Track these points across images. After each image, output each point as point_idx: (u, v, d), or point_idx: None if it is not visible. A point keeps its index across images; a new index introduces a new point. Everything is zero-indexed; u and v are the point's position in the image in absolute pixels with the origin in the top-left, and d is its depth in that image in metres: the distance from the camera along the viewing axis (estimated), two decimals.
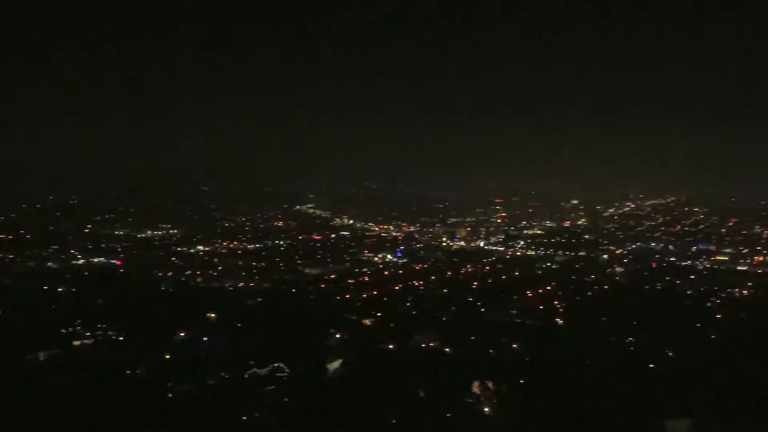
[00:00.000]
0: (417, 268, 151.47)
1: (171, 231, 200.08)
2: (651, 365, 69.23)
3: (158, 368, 63.49)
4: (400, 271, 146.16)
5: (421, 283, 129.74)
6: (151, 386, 58.23)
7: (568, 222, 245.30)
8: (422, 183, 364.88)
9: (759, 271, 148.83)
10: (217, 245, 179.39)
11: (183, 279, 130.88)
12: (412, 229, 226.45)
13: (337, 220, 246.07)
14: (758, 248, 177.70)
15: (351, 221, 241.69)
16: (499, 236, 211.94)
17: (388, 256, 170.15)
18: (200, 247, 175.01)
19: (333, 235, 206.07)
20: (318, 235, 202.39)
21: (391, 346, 75.67)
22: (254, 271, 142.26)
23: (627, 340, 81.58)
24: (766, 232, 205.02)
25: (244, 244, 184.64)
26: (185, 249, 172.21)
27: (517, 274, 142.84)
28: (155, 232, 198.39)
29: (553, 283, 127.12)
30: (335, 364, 68.39)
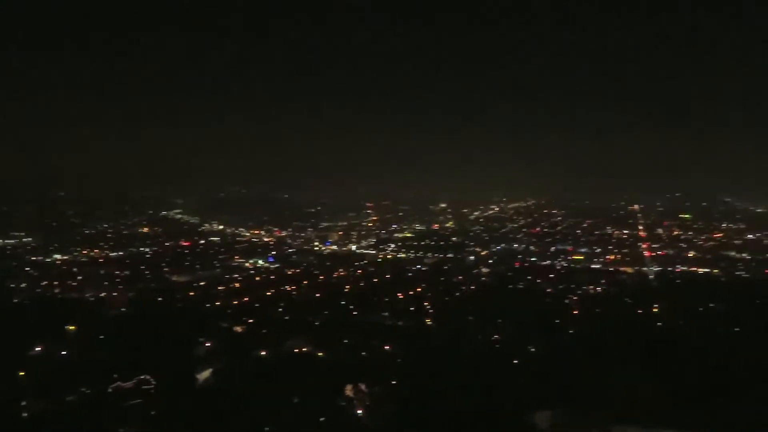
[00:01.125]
0: (289, 273, 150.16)
1: (25, 239, 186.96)
2: (515, 360, 72.43)
3: (11, 387, 59.27)
4: (272, 277, 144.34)
5: (293, 288, 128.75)
6: (2, 407, 54.21)
7: (437, 225, 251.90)
8: (294, 187, 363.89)
9: (611, 269, 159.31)
10: (76, 254, 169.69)
11: (39, 290, 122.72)
12: (284, 233, 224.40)
13: (207, 225, 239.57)
14: (610, 247, 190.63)
15: (221, 227, 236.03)
16: (370, 240, 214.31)
17: (260, 262, 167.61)
18: (58, 256, 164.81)
19: (202, 241, 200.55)
20: (186, 242, 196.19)
21: (263, 353, 74.75)
22: (117, 280, 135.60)
23: (493, 338, 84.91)
24: (616, 232, 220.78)
25: (106, 252, 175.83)
26: (41, 258, 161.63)
27: (388, 276, 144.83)
28: (7, 241, 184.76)
29: (423, 285, 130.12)
30: (205, 374, 66.70)
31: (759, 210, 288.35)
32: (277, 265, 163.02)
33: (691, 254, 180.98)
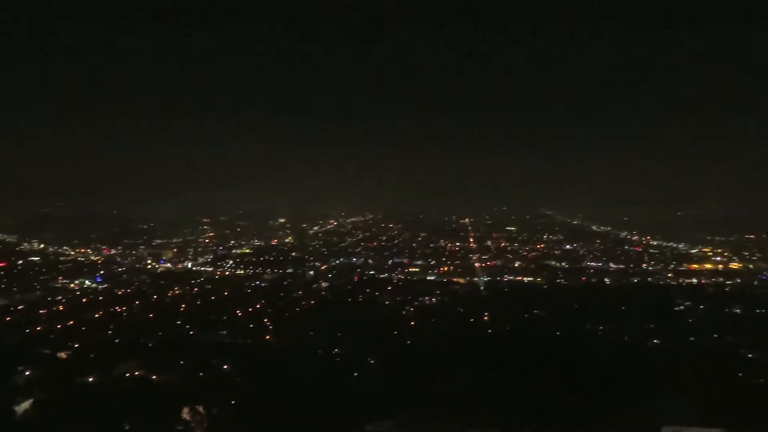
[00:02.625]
0: (119, 293, 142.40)
1: None
2: (355, 373, 73.28)
3: None
4: (101, 298, 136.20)
5: (124, 308, 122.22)
6: None
7: (276, 240, 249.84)
8: (125, 203, 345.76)
9: (444, 280, 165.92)
10: None
11: None
12: (113, 252, 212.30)
13: (26, 244, 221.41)
14: (443, 259, 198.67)
15: (42, 245, 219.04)
16: (207, 257, 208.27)
17: (87, 282, 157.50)
18: None
19: (20, 262, 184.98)
20: (2, 262, 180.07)
21: (91, 379, 70.21)
22: None
23: (333, 351, 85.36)
24: (449, 245, 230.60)
25: None
26: None
27: (226, 293, 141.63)
28: None
29: (263, 301, 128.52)
30: (25, 405, 61.45)
31: (575, 222, 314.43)
32: (105, 286, 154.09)
33: (517, 264, 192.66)
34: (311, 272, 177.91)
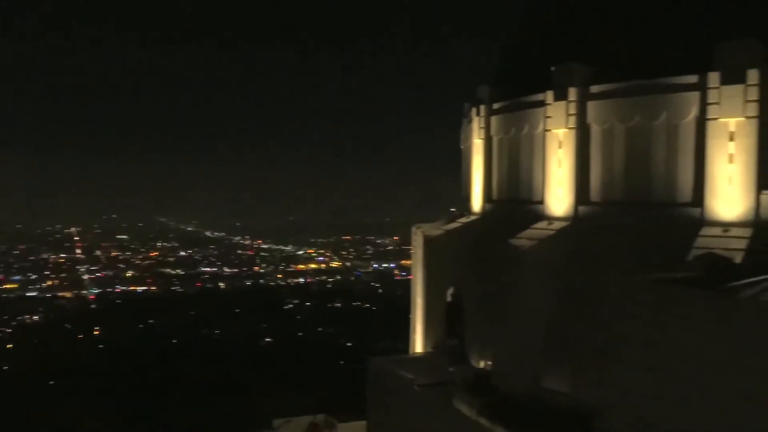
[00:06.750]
0: None
1: None
2: None
3: None
4: None
5: None
6: None
7: None
8: None
9: (48, 295, 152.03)
10: None
11: None
12: None
13: None
14: (47, 273, 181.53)
15: None
16: None
17: None
18: None
19: None
20: None
21: None
22: None
23: None
24: (53, 256, 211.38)
25: None
26: None
27: None
28: None
29: None
30: None
31: (189, 228, 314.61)
32: None
33: (129, 274, 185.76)
34: None
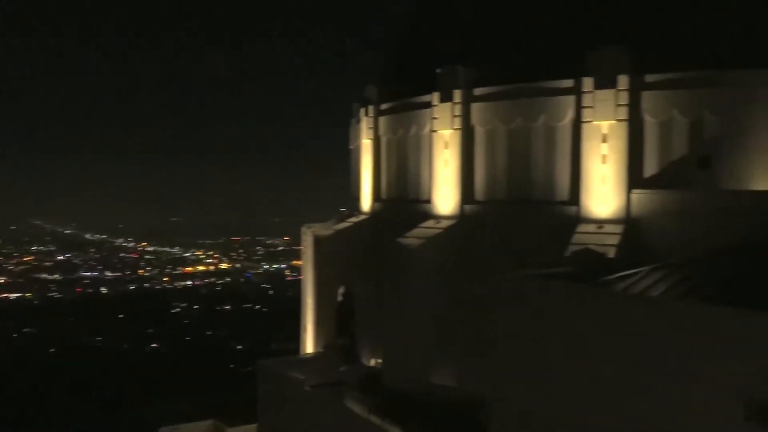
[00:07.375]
0: None
1: None
2: None
3: None
4: None
5: None
6: None
7: None
8: None
9: None
10: None
11: None
12: None
13: None
14: None
15: None
16: None
17: None
18: None
19: None
20: None
21: None
22: None
23: None
24: None
25: None
26: None
27: None
28: None
29: None
30: None
31: (68, 231, 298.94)
32: None
33: (2, 280, 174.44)
34: None
